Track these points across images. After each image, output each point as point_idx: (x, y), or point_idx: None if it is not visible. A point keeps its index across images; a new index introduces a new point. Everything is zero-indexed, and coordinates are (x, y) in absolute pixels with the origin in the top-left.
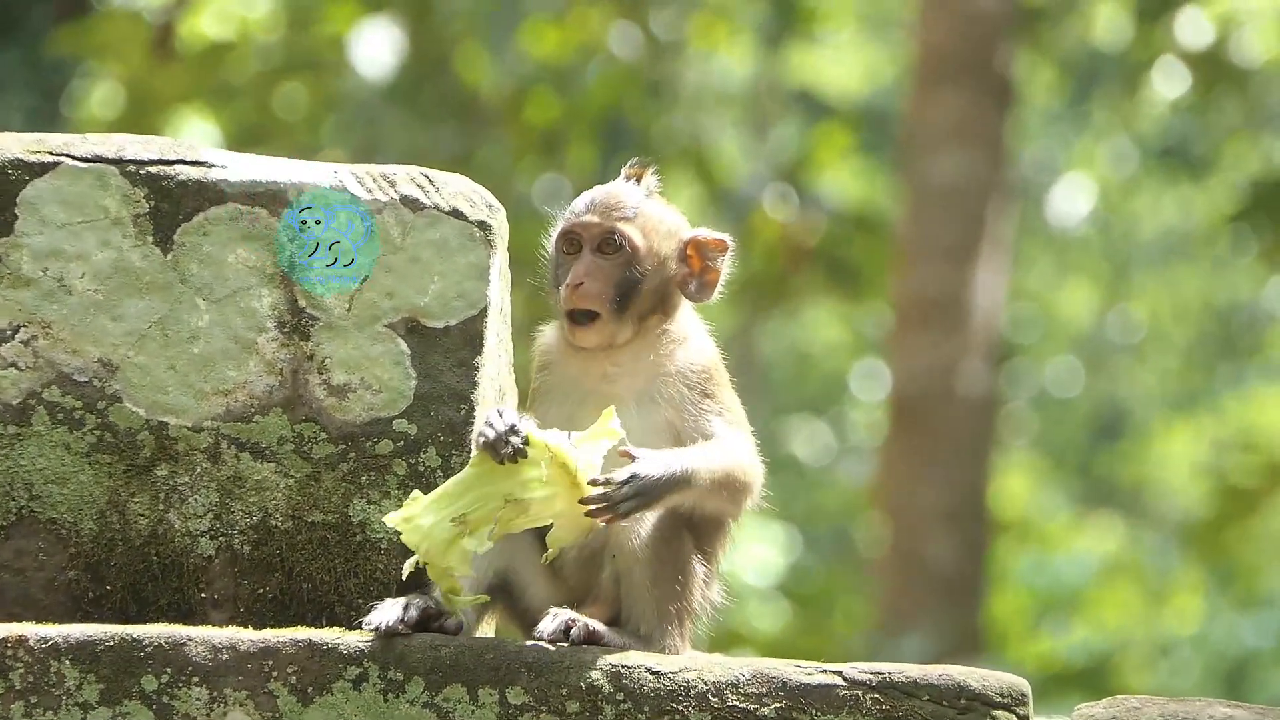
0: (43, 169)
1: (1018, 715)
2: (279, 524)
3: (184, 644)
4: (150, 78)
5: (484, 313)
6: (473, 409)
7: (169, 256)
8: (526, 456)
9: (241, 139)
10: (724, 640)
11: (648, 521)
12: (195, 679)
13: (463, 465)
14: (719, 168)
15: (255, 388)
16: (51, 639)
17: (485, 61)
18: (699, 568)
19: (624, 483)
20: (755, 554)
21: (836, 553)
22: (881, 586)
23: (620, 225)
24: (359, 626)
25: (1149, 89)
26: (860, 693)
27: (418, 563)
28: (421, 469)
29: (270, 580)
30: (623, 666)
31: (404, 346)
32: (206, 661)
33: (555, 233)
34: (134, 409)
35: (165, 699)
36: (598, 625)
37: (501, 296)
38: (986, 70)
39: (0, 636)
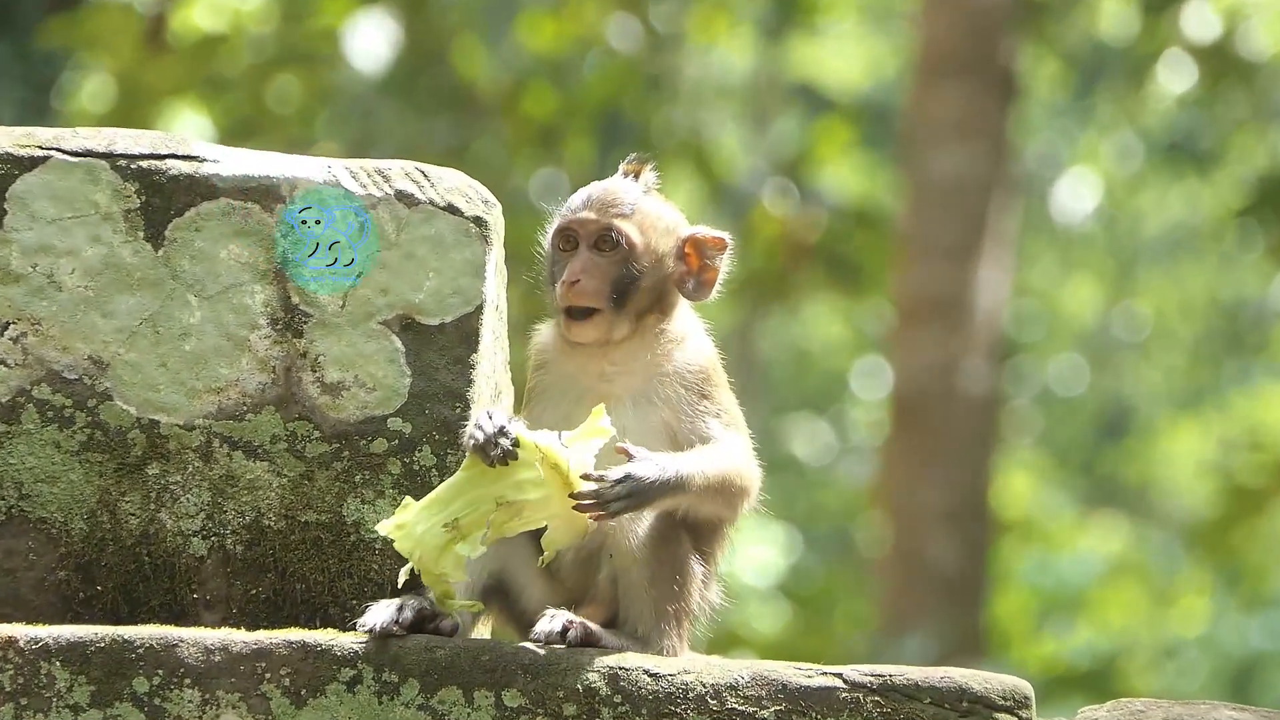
0: (32, 163)
1: (1020, 718)
2: (272, 524)
3: (176, 645)
4: (142, 70)
5: (480, 309)
6: (468, 407)
7: (160, 252)
8: (517, 458)
9: (234, 132)
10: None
11: (645, 522)
12: (187, 681)
13: (458, 464)
14: (718, 162)
15: (248, 385)
16: (42, 640)
17: (481, 54)
18: (697, 568)
19: (617, 481)
20: (755, 554)
21: (837, 553)
22: (883, 587)
23: (617, 222)
24: (353, 628)
25: (1155, 83)
26: (861, 695)
27: (412, 570)
28: (416, 468)
29: (263, 581)
30: (620, 669)
31: (398, 344)
32: (199, 663)
33: (551, 229)
34: (125, 407)
35: (157, 701)
36: (595, 627)
37: (497, 293)
38: (989, 64)
39: None
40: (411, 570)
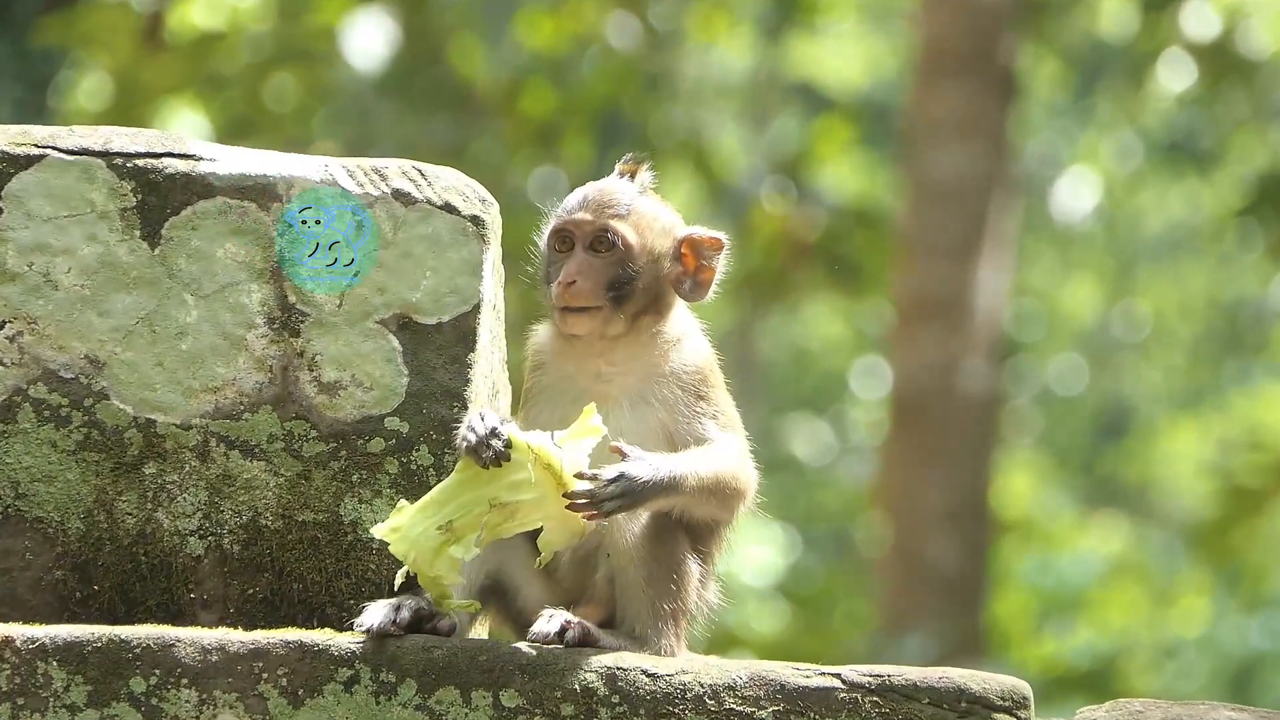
0: (28, 161)
1: (1018, 718)
2: (269, 523)
3: (173, 645)
4: (139, 68)
5: (477, 309)
6: (465, 406)
7: (157, 251)
8: (510, 459)
9: (232, 131)
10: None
11: (642, 521)
12: (184, 681)
13: (455, 464)
14: (718, 162)
15: (244, 385)
16: (39, 640)
17: (480, 52)
18: (694, 568)
19: (611, 481)
20: (754, 554)
21: (837, 553)
22: (882, 587)
23: (613, 223)
24: (350, 627)
25: (1155, 82)
26: (859, 695)
27: (408, 573)
28: (414, 467)
29: (260, 580)
30: (618, 669)
31: (395, 343)
32: (196, 663)
33: (547, 230)
34: (121, 406)
35: (154, 701)
36: (593, 627)
37: (495, 292)
38: (989, 63)
39: None
40: (407, 574)
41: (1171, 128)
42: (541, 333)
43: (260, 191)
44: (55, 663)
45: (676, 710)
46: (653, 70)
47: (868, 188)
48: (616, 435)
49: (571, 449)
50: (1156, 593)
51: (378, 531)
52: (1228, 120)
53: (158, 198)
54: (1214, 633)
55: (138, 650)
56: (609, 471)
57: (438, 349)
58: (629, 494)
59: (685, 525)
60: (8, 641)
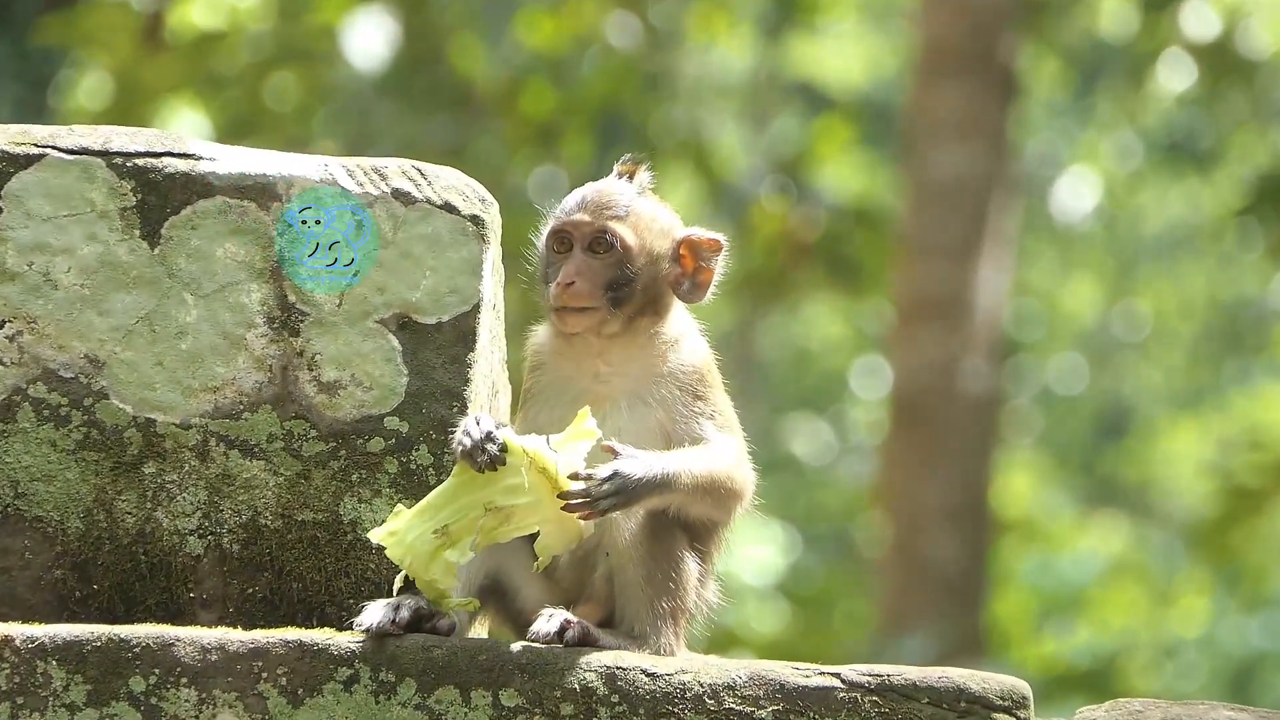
0: (28, 161)
1: (1018, 718)
2: (268, 523)
3: (172, 644)
4: (139, 68)
5: (477, 308)
6: (465, 406)
7: (156, 250)
8: (505, 464)
9: (232, 130)
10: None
11: (641, 520)
12: (184, 680)
13: (454, 464)
14: (718, 161)
15: (244, 384)
16: (38, 639)
17: (480, 52)
18: (693, 567)
19: (605, 479)
20: (754, 554)
21: (837, 553)
22: (882, 587)
23: (612, 224)
24: (350, 627)
25: (1155, 82)
26: (859, 695)
27: (405, 577)
28: (413, 467)
29: (260, 580)
30: (618, 668)
31: (395, 343)
32: (195, 662)
33: (546, 231)
34: (121, 405)
35: (153, 700)
36: (592, 626)
37: (494, 292)
38: (990, 62)
39: None
40: (405, 578)
41: (1171, 127)
42: (540, 333)
43: (260, 191)
44: (55, 662)
45: (676, 710)
46: (653, 70)
47: (868, 187)
48: (614, 435)
49: (567, 453)
50: (1156, 592)
51: (375, 535)
52: (1228, 120)
53: (157, 197)
54: (1214, 632)
55: (137, 649)
56: (603, 470)
57: (437, 349)
58: (623, 492)
59: (684, 524)
60: (7, 641)
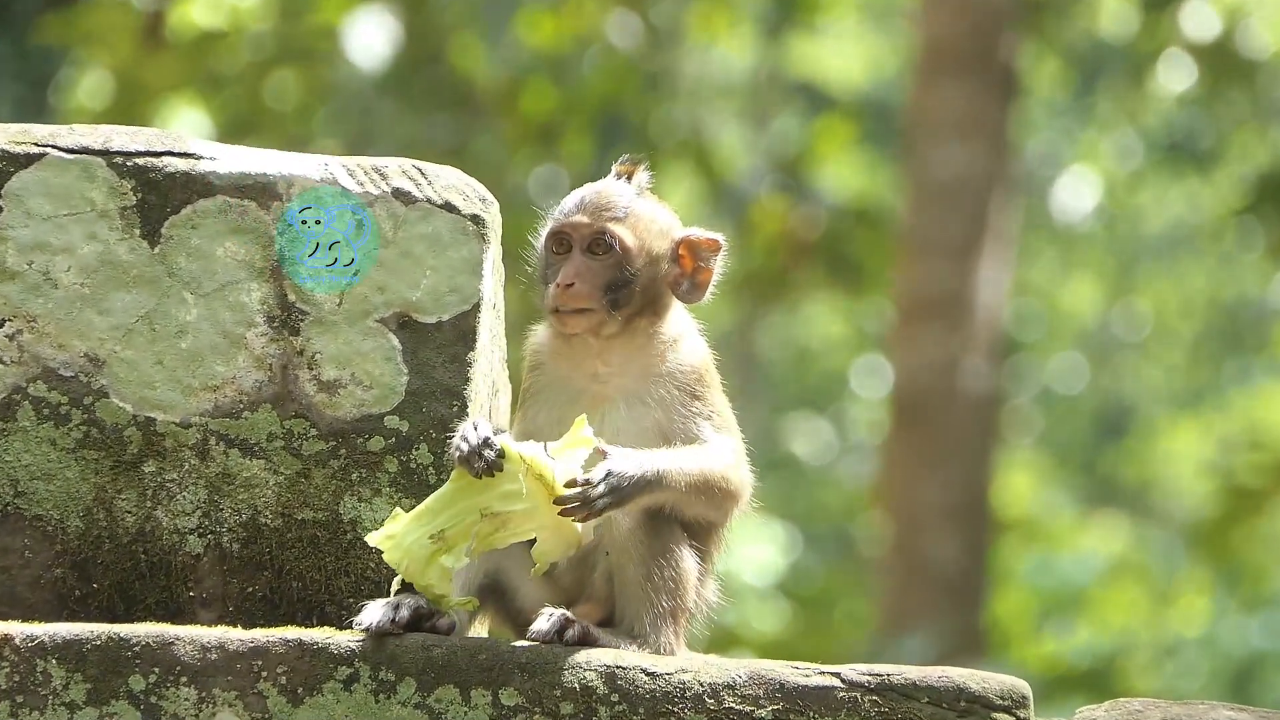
0: (28, 160)
1: (1018, 718)
2: (268, 522)
3: (172, 643)
4: (140, 67)
5: (477, 307)
6: (465, 405)
7: (156, 250)
8: (502, 470)
9: (232, 129)
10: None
11: (640, 519)
12: (184, 679)
13: (453, 468)
14: (718, 161)
15: (244, 383)
16: (38, 638)
17: (480, 51)
18: (693, 566)
19: (599, 481)
20: (755, 554)
21: (837, 552)
22: (883, 586)
23: (611, 226)
24: (350, 626)
25: (1155, 81)
26: (858, 695)
27: (402, 581)
28: (413, 466)
29: (260, 579)
30: (618, 667)
31: (395, 342)
32: (195, 661)
33: (544, 232)
34: (121, 404)
35: (153, 699)
36: (592, 626)
37: (495, 291)
38: (990, 62)
39: None
40: (402, 582)
41: (1172, 127)
42: (539, 333)
43: (260, 190)
44: (54, 661)
45: (676, 709)
46: (653, 69)
47: (868, 187)
48: (613, 435)
49: (564, 460)
50: (1157, 592)
51: (372, 539)
52: (1228, 120)
53: (157, 196)
54: (1214, 632)
55: (137, 648)
56: (596, 472)
57: (437, 348)
58: (616, 490)
59: (683, 524)
60: (7, 639)
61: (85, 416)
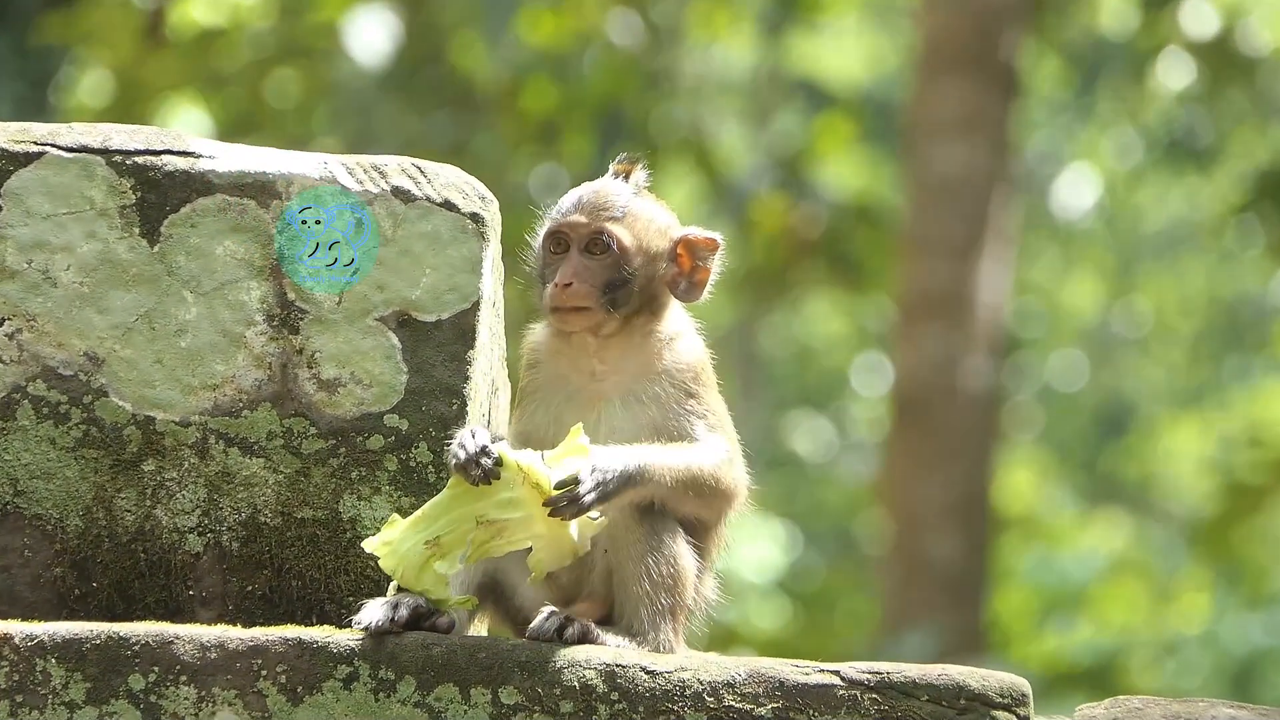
0: (27, 159)
1: (1018, 715)
2: (268, 520)
3: (172, 642)
4: (140, 65)
5: (476, 306)
6: (465, 404)
7: (156, 248)
8: (499, 477)
9: (233, 128)
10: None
11: (638, 518)
12: (183, 678)
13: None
14: (719, 159)
15: (244, 382)
16: (37, 637)
17: (481, 49)
18: (691, 564)
19: (585, 479)
20: (756, 552)
21: (838, 550)
22: (884, 584)
23: (609, 225)
24: (349, 625)
25: (1155, 79)
26: (858, 693)
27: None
28: (413, 464)
29: (259, 577)
30: (617, 666)
31: (395, 340)
32: (195, 660)
33: (542, 231)
34: (120, 403)
35: (153, 698)
36: (591, 624)
37: (494, 289)
38: (991, 60)
39: None
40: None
41: (1172, 125)
42: (537, 332)
43: (259, 189)
44: (54, 660)
45: (675, 707)
46: (654, 67)
47: (869, 184)
48: (609, 433)
49: (560, 468)
50: (1158, 589)
51: (369, 545)
52: (1228, 117)
53: (157, 195)
54: (1215, 629)
55: (136, 647)
56: (583, 471)
57: (437, 346)
58: (601, 486)
59: (681, 522)
60: (6, 639)
61: (85, 415)
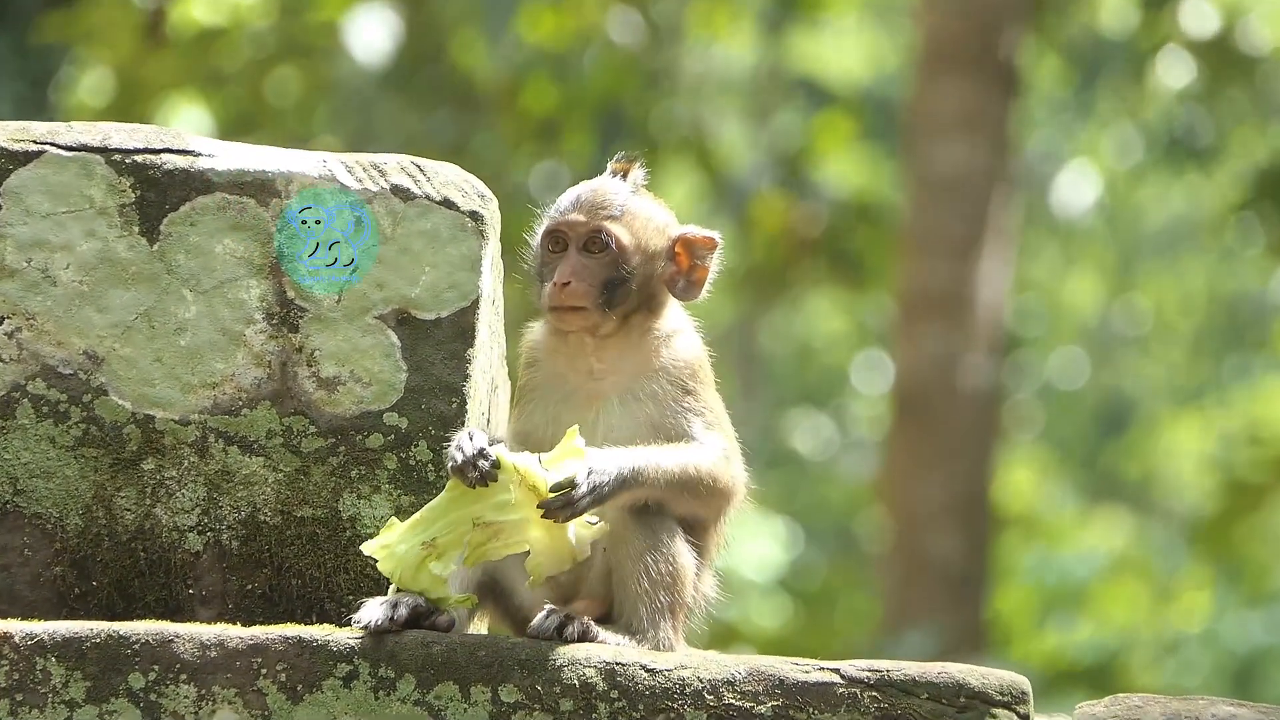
0: (27, 158)
1: (1018, 714)
2: (268, 519)
3: (172, 641)
4: (141, 64)
5: (476, 304)
6: (464, 402)
7: (155, 247)
8: (496, 480)
9: (233, 126)
10: (725, 637)
11: (636, 516)
12: (183, 677)
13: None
14: (719, 157)
15: (243, 380)
16: (37, 636)
17: (481, 48)
18: (690, 561)
19: (580, 482)
20: (756, 550)
21: (839, 548)
22: (884, 582)
23: (607, 224)
24: (349, 623)
25: (1155, 77)
26: (858, 690)
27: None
28: (412, 463)
29: (259, 576)
30: (617, 664)
31: (394, 338)
32: (195, 659)
33: (541, 230)
34: (120, 402)
35: (153, 697)
36: (591, 622)
37: (494, 287)
38: (991, 58)
39: None
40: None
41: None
42: (535, 330)
43: (259, 187)
44: (54, 659)
45: (675, 705)
46: (654, 65)
47: (869, 183)
48: (607, 432)
49: (556, 472)
50: (1158, 588)
51: (367, 548)
52: (1228, 116)
53: (156, 194)
54: (1216, 628)
55: (136, 646)
56: (580, 474)
57: (436, 344)
58: (596, 489)
59: (679, 520)
60: (6, 637)
61: (84, 414)
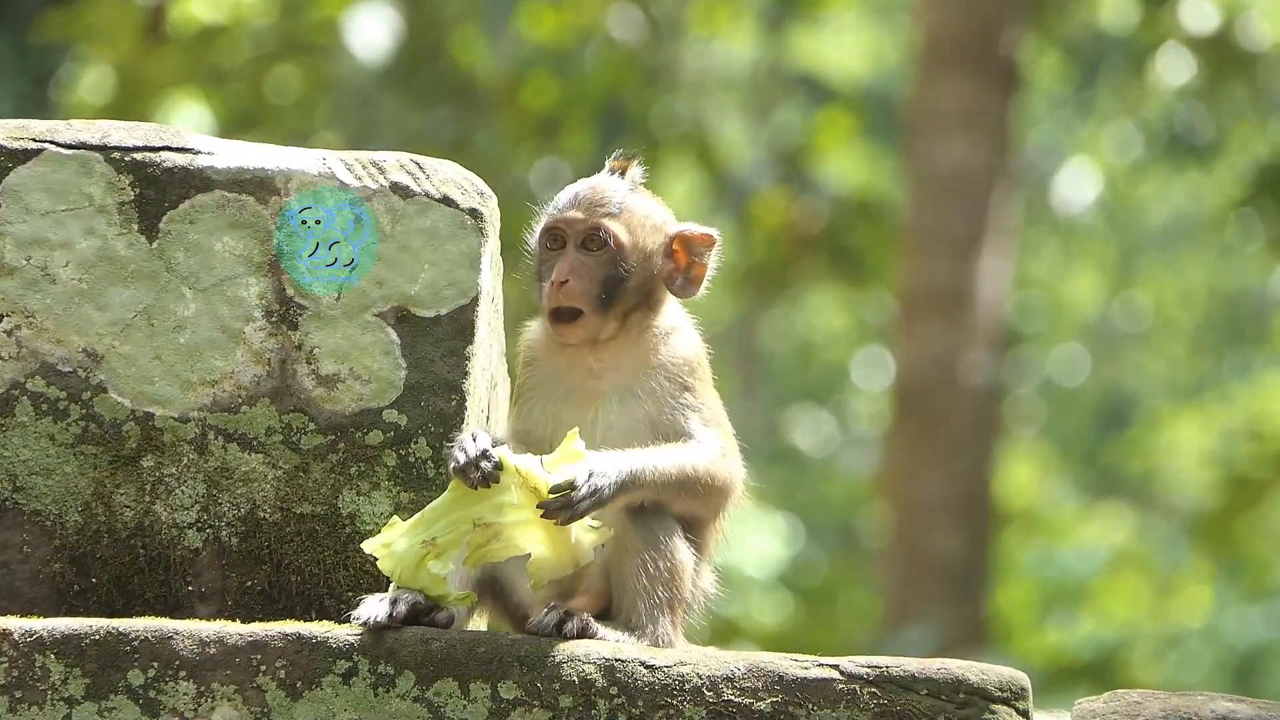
0: (26, 156)
1: (1017, 710)
2: (267, 516)
3: (171, 638)
4: (141, 62)
5: (475, 301)
6: (464, 399)
7: (155, 245)
8: (499, 481)
9: (234, 124)
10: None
11: (635, 513)
12: (182, 673)
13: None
14: (720, 154)
15: (242, 378)
16: (36, 632)
17: (482, 45)
18: (689, 557)
19: (580, 485)
20: (757, 546)
21: (839, 544)
22: (885, 578)
23: (605, 222)
24: (348, 620)
25: (1155, 74)
26: (857, 687)
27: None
28: (412, 460)
29: (258, 573)
30: (616, 660)
31: (394, 336)
32: (194, 655)
33: (539, 228)
34: (119, 399)
35: (152, 693)
36: (591, 619)
37: (493, 285)
38: (992, 55)
39: None
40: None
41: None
42: (534, 328)
43: (258, 185)
44: (53, 655)
45: (675, 701)
46: (655, 62)
47: (870, 179)
48: (606, 430)
49: (558, 473)
50: (1159, 583)
51: (368, 547)
52: (1228, 112)
53: (155, 191)
54: (1217, 623)
55: (136, 643)
56: (580, 476)
57: (436, 342)
58: (595, 492)
59: (677, 516)
60: (5, 634)
61: (84, 412)
